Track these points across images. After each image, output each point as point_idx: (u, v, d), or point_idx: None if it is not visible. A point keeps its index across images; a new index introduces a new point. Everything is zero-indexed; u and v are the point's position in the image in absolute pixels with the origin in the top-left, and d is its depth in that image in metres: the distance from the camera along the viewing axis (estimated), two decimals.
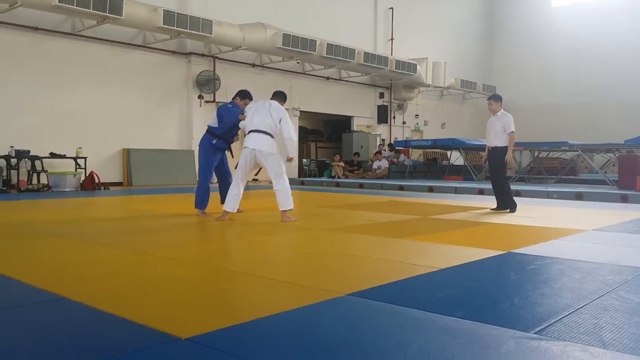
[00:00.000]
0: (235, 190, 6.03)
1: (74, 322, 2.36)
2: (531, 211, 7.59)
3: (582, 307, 2.57)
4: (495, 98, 7.78)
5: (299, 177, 16.51)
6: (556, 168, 16.20)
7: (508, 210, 7.46)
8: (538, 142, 15.84)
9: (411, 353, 1.96)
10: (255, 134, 5.93)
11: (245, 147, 5.99)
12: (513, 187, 11.25)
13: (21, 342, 2.07)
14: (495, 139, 7.58)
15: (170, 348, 1.98)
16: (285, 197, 5.93)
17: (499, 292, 2.93)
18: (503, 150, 7.49)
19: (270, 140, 5.95)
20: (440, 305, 2.54)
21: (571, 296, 2.79)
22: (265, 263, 3.90)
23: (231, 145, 6.67)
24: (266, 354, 1.93)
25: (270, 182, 6.13)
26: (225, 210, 6.03)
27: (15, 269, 3.35)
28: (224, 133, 6.43)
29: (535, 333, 2.16)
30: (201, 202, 6.45)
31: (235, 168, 6.12)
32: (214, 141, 6.42)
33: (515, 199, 7.78)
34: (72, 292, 2.73)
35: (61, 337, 2.17)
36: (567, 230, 5.38)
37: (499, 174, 7.65)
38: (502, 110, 7.65)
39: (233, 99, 6.57)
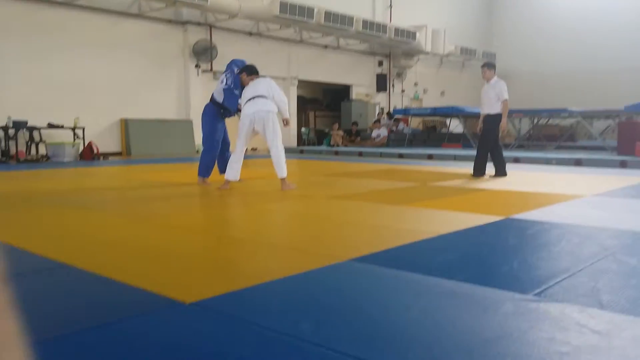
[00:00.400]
0: (236, 159, 6.03)
1: (76, 288, 2.39)
2: (530, 177, 7.61)
3: (580, 270, 2.60)
4: (489, 66, 7.76)
5: (298, 146, 16.48)
6: (556, 135, 16.19)
7: (497, 174, 7.57)
8: (538, 109, 15.78)
9: (413, 314, 1.99)
10: (253, 100, 5.90)
11: (244, 114, 5.97)
12: (512, 153, 11.26)
13: (25, 309, 2.10)
14: (489, 106, 7.59)
15: (174, 312, 2.02)
16: (282, 165, 5.94)
17: (498, 256, 2.97)
18: (496, 117, 7.50)
19: (269, 102, 5.91)
20: (441, 270, 2.57)
21: (569, 260, 2.82)
22: (267, 230, 3.93)
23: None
24: (269, 316, 1.96)
25: (268, 152, 6.12)
26: (227, 179, 6.04)
27: (17, 237, 3.37)
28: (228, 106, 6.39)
29: (534, 295, 2.19)
30: (206, 169, 6.44)
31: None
32: (221, 111, 6.38)
33: (515, 164, 7.82)
34: (75, 259, 2.76)
35: (64, 302, 2.20)
36: (566, 196, 5.41)
37: (489, 141, 7.65)
38: (495, 77, 7.63)
39: (239, 73, 6.23)
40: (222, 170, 6.48)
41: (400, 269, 2.59)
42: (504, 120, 7.50)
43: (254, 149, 15.14)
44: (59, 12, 11.86)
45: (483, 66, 7.82)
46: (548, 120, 15.94)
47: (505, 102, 7.46)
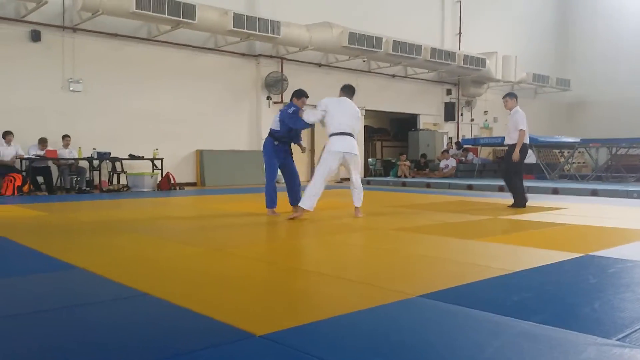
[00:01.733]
0: (317, 190, 6.17)
1: (153, 317, 2.48)
2: (610, 211, 7.25)
3: None
4: (510, 95, 7.86)
5: (365, 176, 16.49)
6: (636, 166, 15.33)
7: (514, 204, 7.59)
8: (616, 138, 15.05)
9: (487, 355, 1.94)
10: (344, 136, 6.17)
11: (334, 150, 6.15)
12: (589, 186, 10.77)
13: (105, 337, 2.21)
14: (508, 136, 7.67)
15: (245, 344, 2.05)
16: (361, 194, 6.39)
17: (578, 296, 2.83)
18: (513, 148, 7.48)
19: (355, 142, 6.29)
20: (517, 309, 2.49)
21: None
22: (336, 262, 3.95)
23: (296, 143, 6.86)
24: (338, 352, 1.96)
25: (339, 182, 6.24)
26: (301, 208, 6.15)
27: (98, 264, 3.56)
28: (285, 135, 6.62)
29: (618, 340, 2.08)
30: (271, 201, 6.60)
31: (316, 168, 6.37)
32: (276, 143, 6.62)
33: (592, 198, 7.52)
34: (151, 288, 2.88)
35: (142, 332, 2.29)
36: None
37: (509, 171, 7.72)
38: (516, 107, 7.66)
39: (291, 99, 6.71)
40: (292, 201, 6.62)
41: (473, 307, 2.53)
42: (516, 150, 7.46)
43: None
44: (140, 47, 12.62)
45: (505, 96, 7.95)
46: (628, 150, 15.15)
47: (522, 132, 7.44)
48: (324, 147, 6.34)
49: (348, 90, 6.47)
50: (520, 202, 7.56)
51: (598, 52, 23.51)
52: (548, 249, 4.15)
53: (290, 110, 6.52)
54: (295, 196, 6.60)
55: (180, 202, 8.98)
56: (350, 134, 6.19)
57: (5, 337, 2.16)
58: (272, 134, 6.66)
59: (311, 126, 6.62)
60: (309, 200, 6.13)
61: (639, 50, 22.25)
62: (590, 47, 23.85)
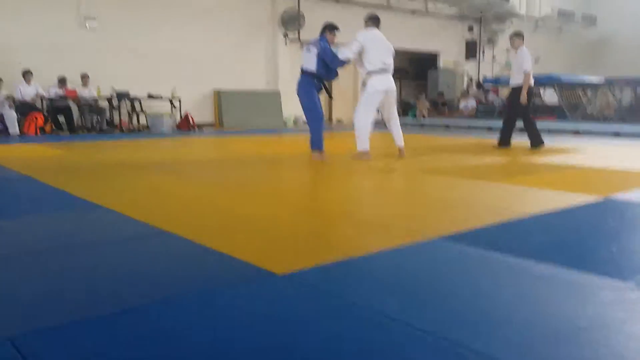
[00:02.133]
0: (367, 129, 6.16)
1: (175, 255, 2.54)
2: (632, 153, 7.14)
3: None
4: (516, 34, 7.60)
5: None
6: None
7: (534, 145, 7.52)
8: None
9: (505, 297, 1.98)
10: (386, 75, 6.10)
11: (377, 90, 6.07)
12: (612, 127, 10.59)
13: (126, 273, 2.29)
14: (512, 77, 7.48)
15: (267, 282, 2.12)
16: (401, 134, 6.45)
17: (596, 240, 2.85)
18: (518, 89, 7.29)
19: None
20: (535, 252, 2.51)
21: None
22: (354, 204, 3.99)
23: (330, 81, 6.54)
24: (358, 292, 2.01)
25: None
26: (360, 151, 6.22)
27: (120, 204, 3.64)
28: (323, 74, 6.25)
29: (635, 283, 2.10)
30: (320, 141, 6.29)
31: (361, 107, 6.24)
32: (315, 81, 6.26)
33: (615, 139, 7.41)
34: (173, 227, 2.95)
35: (163, 268, 2.35)
36: None
37: (516, 114, 7.55)
38: (522, 46, 7.41)
39: (322, 33, 6.26)
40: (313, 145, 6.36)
41: (492, 249, 2.56)
42: (524, 93, 7.22)
43: (339, 121, 15.18)
44: None
45: (511, 35, 7.65)
46: None
47: (527, 74, 7.18)
48: (363, 85, 6.21)
49: (376, 21, 6.21)
50: (538, 141, 7.52)
51: None
52: (568, 192, 4.14)
53: (321, 42, 6.15)
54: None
55: (201, 144, 9.03)
56: (388, 71, 6.10)
57: (30, 271, 2.26)
58: (309, 73, 6.18)
59: (347, 63, 6.24)
60: (360, 141, 6.18)
61: None
62: None
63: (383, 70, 6.03)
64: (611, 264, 2.38)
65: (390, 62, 6.12)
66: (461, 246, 2.63)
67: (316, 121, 6.27)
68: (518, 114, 7.52)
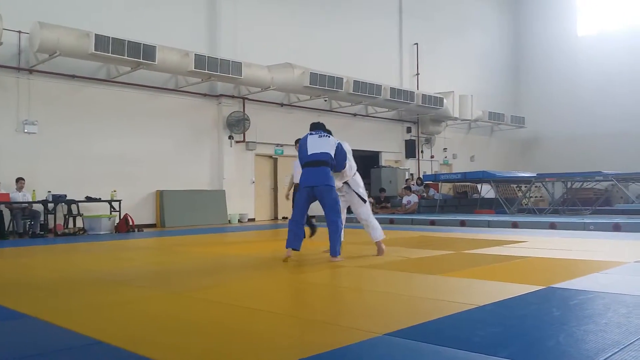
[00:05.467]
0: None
1: None
2: (569, 244, 7.40)
3: (630, 343, 2.46)
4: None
5: None
6: (591, 199, 15.83)
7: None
8: (570, 172, 15.55)
9: None
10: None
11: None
12: (547, 219, 11.02)
13: None
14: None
15: None
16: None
17: (542, 329, 2.84)
18: None
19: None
20: (483, 345, 2.47)
21: (618, 332, 2.68)
22: (300, 303, 3.87)
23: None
24: None
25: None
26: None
27: (48, 312, 3.38)
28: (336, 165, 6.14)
29: None
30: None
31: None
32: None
33: (551, 231, 7.66)
34: (106, 335, 2.75)
35: None
36: (608, 263, 5.22)
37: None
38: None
39: (328, 133, 6.19)
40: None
41: (440, 344, 2.49)
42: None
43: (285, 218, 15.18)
44: (99, 89, 12.46)
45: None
46: (582, 184, 15.66)
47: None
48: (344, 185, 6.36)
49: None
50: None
51: (549, 90, 24.54)
52: (511, 282, 4.18)
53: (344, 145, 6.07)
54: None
55: (138, 245, 8.73)
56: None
57: None
58: (326, 163, 5.88)
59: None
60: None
61: (586, 88, 23.28)
62: (542, 85, 24.88)
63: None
64: (559, 354, 2.35)
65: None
66: (408, 342, 2.55)
67: (338, 221, 5.85)
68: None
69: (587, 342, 2.54)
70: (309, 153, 5.91)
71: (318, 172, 5.80)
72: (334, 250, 5.75)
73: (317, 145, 5.92)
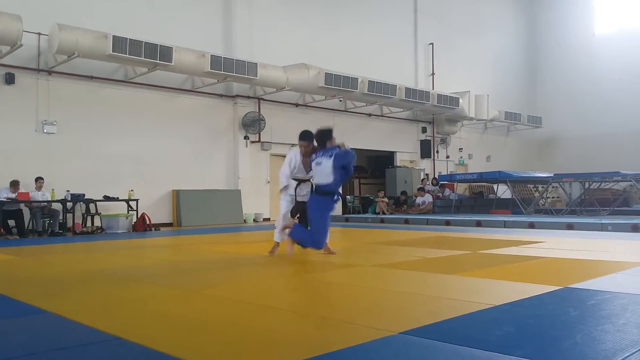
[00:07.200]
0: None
1: None
2: (586, 244, 7.33)
3: None
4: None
5: (343, 214, 16.49)
6: (609, 199, 15.64)
7: None
8: (588, 172, 15.38)
9: None
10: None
11: None
12: (565, 219, 10.92)
13: None
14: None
15: None
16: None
17: (559, 329, 2.82)
18: None
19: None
20: (499, 344, 2.46)
21: (637, 332, 2.66)
22: (315, 301, 3.89)
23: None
24: None
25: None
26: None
27: (69, 309, 3.44)
28: (344, 178, 6.28)
29: None
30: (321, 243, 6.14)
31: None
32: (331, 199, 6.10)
33: (569, 231, 7.57)
34: (124, 332, 2.79)
35: None
36: (626, 264, 5.16)
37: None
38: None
39: (322, 143, 6.22)
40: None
41: (456, 343, 2.49)
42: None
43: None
44: (117, 89, 12.61)
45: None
46: (600, 185, 15.47)
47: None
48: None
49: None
50: None
51: (566, 89, 24.28)
52: (528, 283, 4.15)
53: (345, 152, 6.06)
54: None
55: (155, 243, 8.82)
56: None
57: None
58: (327, 190, 5.89)
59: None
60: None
61: (603, 86, 23.00)
62: (559, 84, 24.63)
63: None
64: (576, 354, 2.34)
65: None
66: (424, 340, 2.56)
67: (324, 234, 6.01)
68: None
69: (604, 343, 2.52)
70: (315, 182, 6.10)
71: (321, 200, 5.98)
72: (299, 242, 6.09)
73: (322, 174, 5.95)
